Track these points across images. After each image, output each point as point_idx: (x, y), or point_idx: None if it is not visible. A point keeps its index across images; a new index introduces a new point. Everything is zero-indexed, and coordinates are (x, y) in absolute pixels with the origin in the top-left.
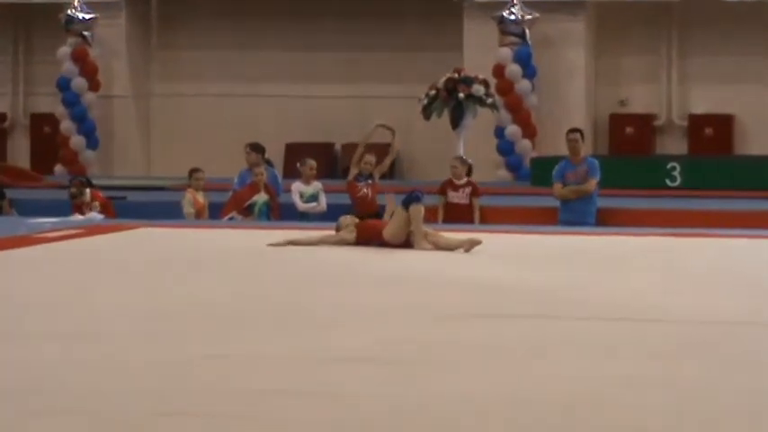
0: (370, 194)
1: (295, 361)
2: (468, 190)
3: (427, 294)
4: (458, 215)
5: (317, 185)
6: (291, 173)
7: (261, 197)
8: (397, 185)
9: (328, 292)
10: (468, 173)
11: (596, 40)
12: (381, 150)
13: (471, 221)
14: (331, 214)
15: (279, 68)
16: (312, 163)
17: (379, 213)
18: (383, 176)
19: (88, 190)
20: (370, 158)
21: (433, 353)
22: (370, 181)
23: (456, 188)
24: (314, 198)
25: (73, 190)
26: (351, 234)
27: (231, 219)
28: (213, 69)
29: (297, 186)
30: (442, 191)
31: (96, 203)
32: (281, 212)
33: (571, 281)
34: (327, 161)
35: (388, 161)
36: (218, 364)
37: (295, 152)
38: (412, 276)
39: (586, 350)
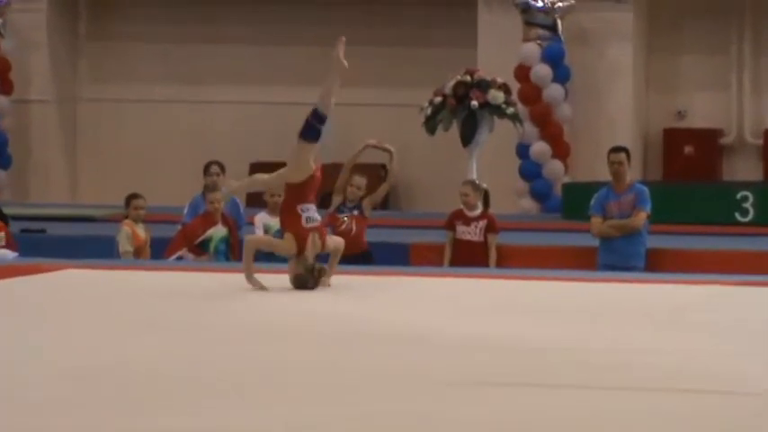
0: (354, 229)
1: None
2: (482, 224)
3: (428, 357)
4: (469, 255)
5: None
6: (256, 201)
7: (218, 231)
8: (392, 218)
9: (301, 350)
10: (485, 203)
11: (648, 34)
12: (374, 173)
13: (485, 263)
14: None
15: (241, 67)
16: (277, 189)
17: (366, 254)
18: (375, 208)
19: None
20: (360, 181)
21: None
22: (355, 212)
23: (467, 221)
24: (282, 233)
25: None
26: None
27: (179, 258)
28: (157, 68)
29: (261, 218)
30: (450, 225)
31: (1, 234)
32: (242, 251)
33: (613, 341)
34: None
35: (382, 190)
36: None
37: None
38: (404, 334)
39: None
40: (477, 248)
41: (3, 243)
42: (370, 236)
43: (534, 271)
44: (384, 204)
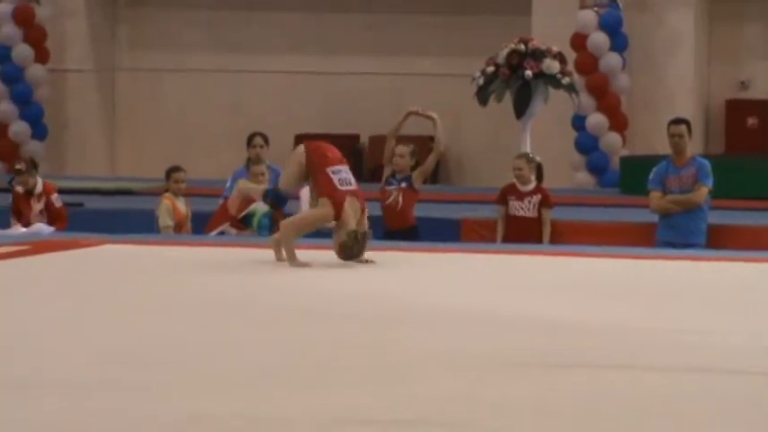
0: (401, 203)
1: (304, 424)
2: (536, 199)
3: (484, 336)
4: (522, 231)
5: None
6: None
7: (261, 206)
8: (443, 193)
9: (354, 330)
10: (538, 177)
11: (710, 0)
12: (423, 145)
13: (539, 240)
14: None
15: (285, 35)
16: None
17: (413, 229)
18: (426, 181)
19: (40, 179)
20: (403, 149)
21: (488, 413)
22: (403, 184)
23: (520, 196)
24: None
25: (19, 168)
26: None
27: (221, 233)
28: (199, 35)
29: (308, 192)
30: (502, 200)
31: (54, 196)
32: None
33: (672, 321)
34: (350, 159)
35: (432, 160)
36: (206, 428)
37: None
38: (455, 314)
39: (695, 413)
40: (530, 224)
41: (44, 210)
42: (419, 210)
43: (590, 248)
44: (434, 178)
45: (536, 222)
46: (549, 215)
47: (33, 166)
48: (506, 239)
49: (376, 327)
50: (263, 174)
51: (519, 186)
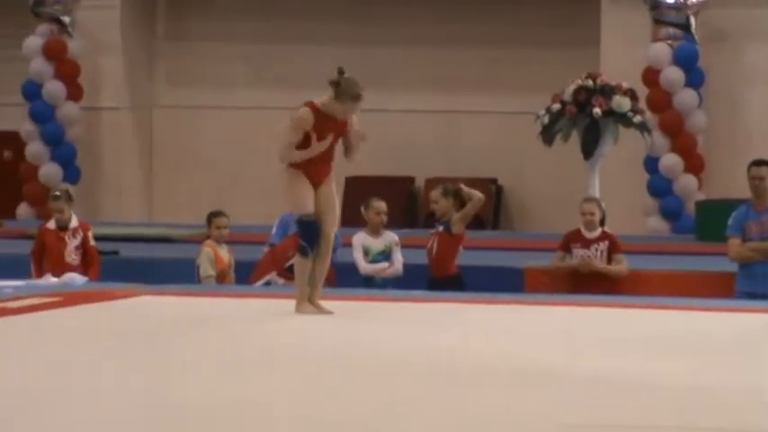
0: (435, 248)
1: None
2: (603, 246)
3: (546, 395)
4: (588, 280)
5: (389, 238)
6: (353, 219)
7: None
8: (502, 239)
9: (413, 387)
10: (601, 222)
11: None
12: (481, 185)
13: (608, 290)
14: (409, 279)
15: (331, 70)
16: (380, 206)
17: (454, 278)
18: (469, 226)
19: (74, 215)
20: (435, 194)
21: None
22: (440, 228)
23: (586, 243)
24: (384, 256)
25: (57, 194)
26: None
27: (268, 284)
28: (241, 71)
29: (360, 239)
30: (565, 246)
31: (90, 234)
32: (337, 275)
33: (754, 380)
34: (405, 202)
35: (469, 208)
36: None
37: (358, 189)
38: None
39: None
40: (597, 273)
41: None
42: (478, 259)
43: (663, 299)
44: (495, 224)
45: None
46: (623, 261)
47: (69, 197)
48: (570, 290)
49: (443, 384)
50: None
51: (585, 233)
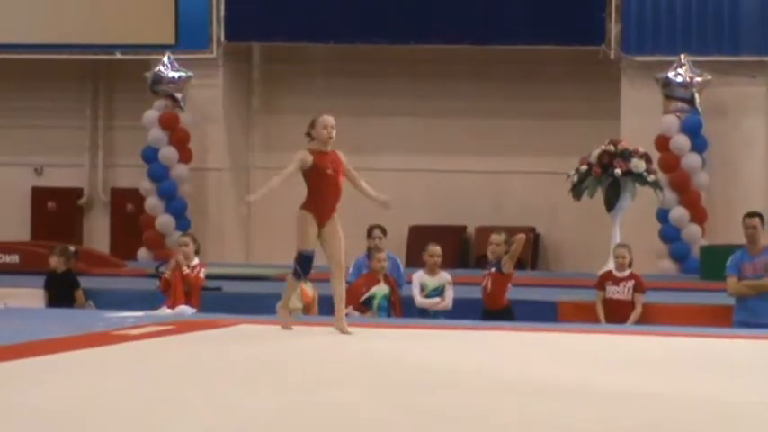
0: (489, 287)
1: None
2: (630, 284)
3: (572, 407)
4: (619, 314)
5: (443, 277)
6: (414, 261)
7: (381, 289)
8: (539, 277)
9: (458, 400)
10: (629, 264)
11: None
12: (522, 233)
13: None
14: (460, 311)
15: (401, 138)
16: (435, 250)
17: (505, 311)
18: (516, 265)
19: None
20: (497, 238)
21: None
22: (493, 269)
23: (616, 281)
24: (438, 292)
25: (185, 239)
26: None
27: (346, 315)
28: None
29: (419, 277)
30: (601, 285)
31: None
32: (402, 307)
33: (749, 394)
34: (458, 247)
35: (515, 249)
36: None
37: (419, 236)
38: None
39: None
40: (625, 307)
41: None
42: (521, 294)
43: (674, 328)
44: (533, 265)
45: (629, 305)
46: (642, 299)
47: (194, 240)
48: (605, 321)
49: (483, 399)
50: (385, 260)
51: (615, 273)
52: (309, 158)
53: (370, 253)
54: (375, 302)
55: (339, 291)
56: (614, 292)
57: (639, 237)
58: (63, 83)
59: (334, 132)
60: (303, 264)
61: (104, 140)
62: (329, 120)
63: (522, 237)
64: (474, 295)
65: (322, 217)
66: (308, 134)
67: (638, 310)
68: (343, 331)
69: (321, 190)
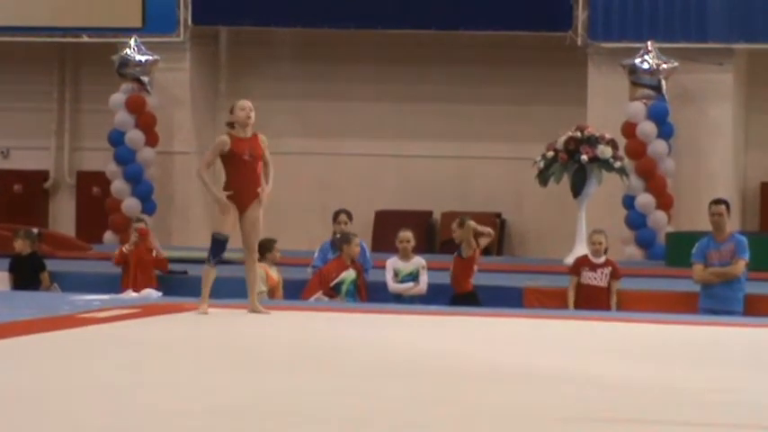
0: (451, 269)
1: None
2: (607, 270)
3: (544, 393)
4: (593, 300)
5: (417, 262)
6: (382, 246)
7: (349, 274)
8: (505, 263)
9: (420, 386)
10: (605, 250)
11: (747, 93)
12: (483, 220)
13: (606, 307)
14: (431, 296)
15: (367, 122)
16: (405, 235)
17: (468, 295)
18: (478, 251)
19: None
20: (453, 225)
21: None
22: (455, 253)
23: (593, 268)
24: (412, 277)
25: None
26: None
27: (317, 300)
28: (290, 123)
29: (392, 263)
30: (576, 270)
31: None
32: (368, 292)
33: (712, 380)
34: (424, 232)
35: (482, 242)
36: None
37: (385, 221)
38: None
39: None
40: (600, 293)
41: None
42: (485, 279)
43: (640, 314)
44: (498, 250)
45: (606, 292)
46: (617, 285)
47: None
48: (577, 306)
49: (446, 384)
50: (357, 245)
51: (593, 258)
52: (228, 143)
53: (336, 238)
54: (344, 288)
55: (251, 276)
56: (591, 278)
57: (605, 223)
58: (30, 66)
59: (252, 114)
60: (214, 247)
61: (71, 123)
62: (246, 103)
63: (489, 232)
64: (441, 280)
65: (243, 202)
66: (229, 124)
67: (614, 299)
68: (258, 312)
69: (238, 175)
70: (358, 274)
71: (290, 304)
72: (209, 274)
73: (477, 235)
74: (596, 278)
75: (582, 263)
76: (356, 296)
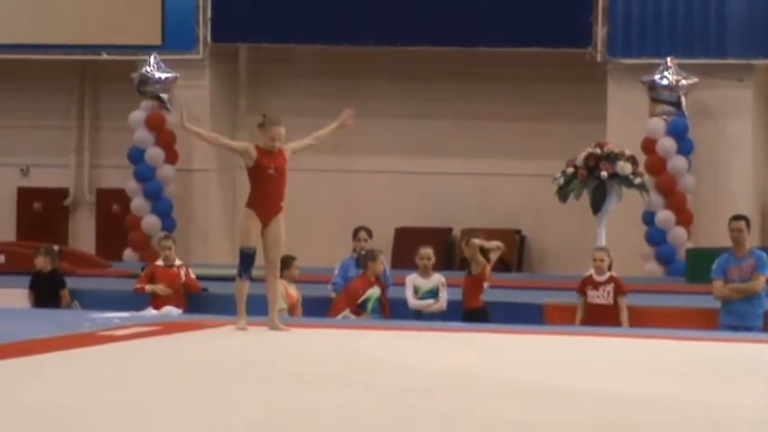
0: (462, 286)
1: None
2: (610, 288)
3: (574, 411)
4: (600, 318)
5: (437, 279)
6: (402, 262)
7: (375, 291)
8: (524, 280)
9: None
10: (609, 267)
11: (767, 109)
12: (503, 236)
13: (614, 323)
14: (451, 313)
15: (387, 139)
16: (425, 252)
17: (477, 311)
18: (488, 267)
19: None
20: (462, 244)
21: None
22: (465, 270)
23: (596, 286)
24: (432, 294)
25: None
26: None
27: (345, 317)
28: None
29: (412, 279)
30: (582, 290)
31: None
32: (390, 309)
33: (740, 397)
34: (443, 249)
35: (493, 256)
36: None
37: (405, 238)
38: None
39: None
40: (607, 311)
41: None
42: (505, 296)
43: (659, 330)
44: (518, 267)
45: (613, 309)
46: (625, 301)
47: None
48: (585, 323)
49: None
50: (382, 263)
51: (595, 276)
52: (254, 154)
53: (361, 255)
54: (369, 305)
55: (272, 292)
56: (595, 296)
57: (625, 239)
58: (49, 83)
59: (279, 144)
60: (243, 261)
61: (90, 141)
62: (280, 132)
63: (498, 245)
64: (459, 297)
65: (265, 215)
66: (261, 125)
67: (624, 314)
68: (279, 329)
69: (262, 189)
70: (382, 291)
71: (309, 321)
72: (242, 289)
73: (486, 250)
74: (599, 296)
75: (586, 282)
76: (381, 313)
